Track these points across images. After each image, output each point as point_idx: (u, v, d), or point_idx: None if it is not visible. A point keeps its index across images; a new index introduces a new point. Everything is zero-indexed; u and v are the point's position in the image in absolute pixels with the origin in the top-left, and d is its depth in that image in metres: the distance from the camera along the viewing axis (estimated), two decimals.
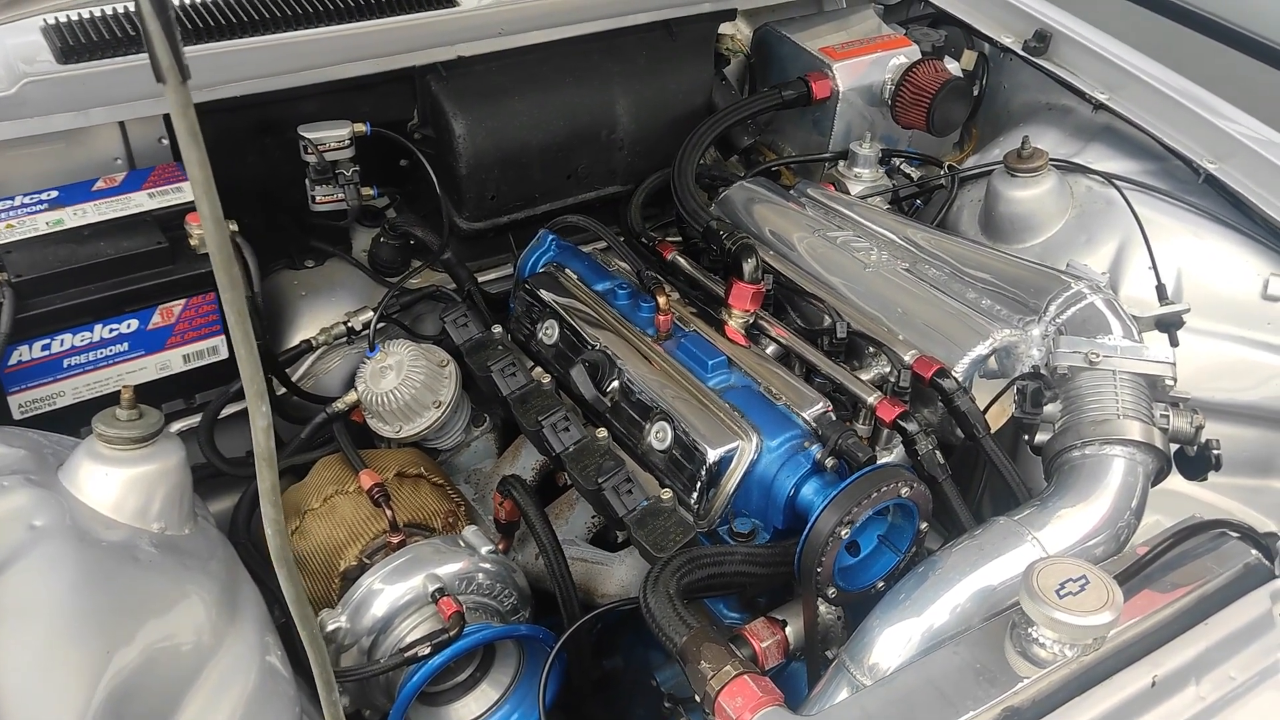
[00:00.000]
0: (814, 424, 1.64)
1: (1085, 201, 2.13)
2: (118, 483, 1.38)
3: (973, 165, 2.35)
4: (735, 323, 1.83)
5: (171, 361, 1.81)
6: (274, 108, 1.94)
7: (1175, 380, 1.67)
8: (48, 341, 1.68)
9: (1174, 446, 1.67)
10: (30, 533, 1.29)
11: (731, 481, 1.61)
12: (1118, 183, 2.10)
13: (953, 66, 2.41)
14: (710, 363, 1.73)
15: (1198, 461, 1.68)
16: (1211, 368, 1.96)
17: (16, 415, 1.71)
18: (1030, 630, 1.25)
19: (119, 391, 1.43)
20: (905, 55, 2.38)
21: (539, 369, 1.87)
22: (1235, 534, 1.46)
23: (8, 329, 1.60)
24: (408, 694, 1.46)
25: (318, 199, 2.00)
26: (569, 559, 1.68)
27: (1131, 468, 1.56)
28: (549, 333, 1.90)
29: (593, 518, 1.86)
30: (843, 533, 1.45)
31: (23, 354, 1.67)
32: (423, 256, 2.12)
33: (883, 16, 2.58)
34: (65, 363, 1.71)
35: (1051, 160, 2.14)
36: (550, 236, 2.06)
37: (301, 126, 1.94)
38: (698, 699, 1.33)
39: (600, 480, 1.62)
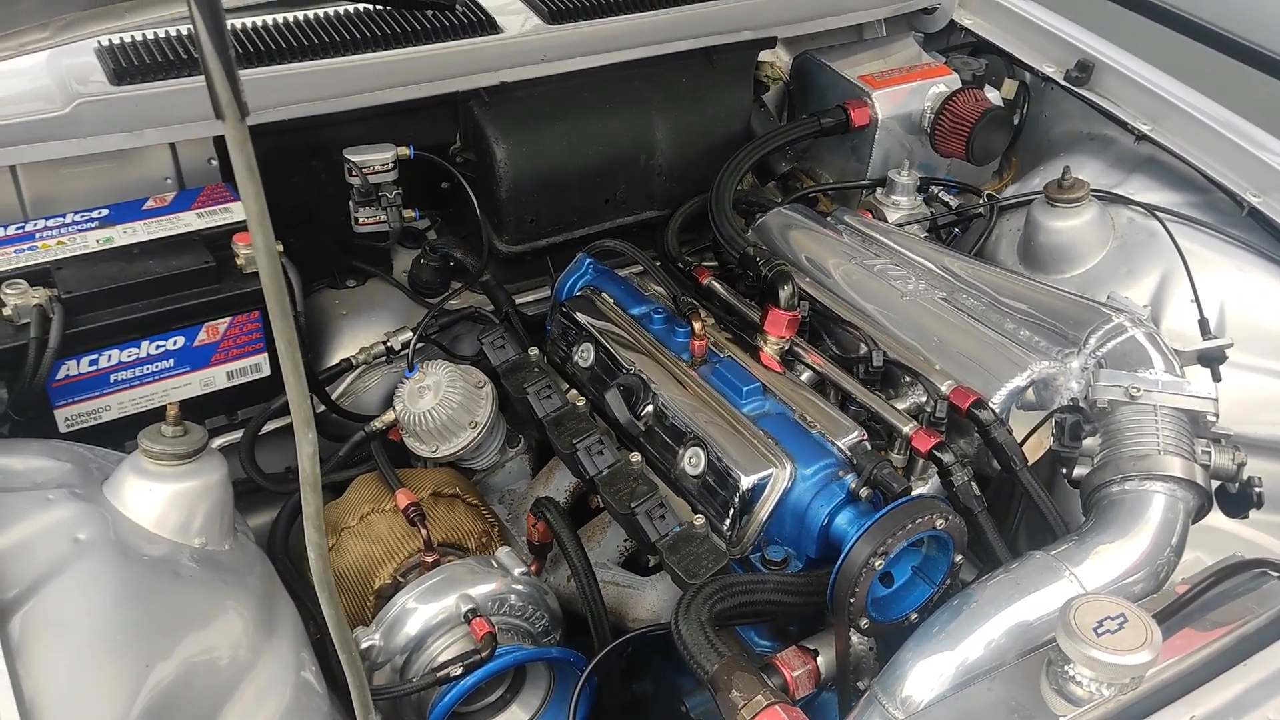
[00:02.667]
0: (849, 453, 1.63)
1: (1127, 233, 2.12)
2: (161, 498, 1.41)
3: (1012, 194, 2.33)
4: (770, 349, 1.83)
5: (215, 378, 1.84)
6: (321, 131, 1.97)
7: (1217, 416, 1.65)
8: (95, 357, 1.72)
9: (1215, 483, 1.65)
10: (74, 546, 1.32)
11: (765, 509, 1.61)
12: (1160, 214, 2.08)
13: (993, 95, 2.41)
14: (745, 389, 1.73)
15: (1239, 499, 1.66)
16: (1254, 402, 1.93)
17: (63, 429, 1.74)
18: (1067, 668, 1.24)
19: (164, 407, 1.47)
20: (945, 84, 2.37)
21: (574, 392, 1.88)
22: (1276, 574, 1.44)
23: (56, 344, 1.63)
24: (439, 714, 1.47)
25: (361, 220, 2.03)
26: (601, 582, 1.68)
27: (1172, 504, 1.54)
28: (585, 356, 1.91)
29: (625, 541, 1.86)
30: (877, 564, 1.44)
31: (70, 369, 1.70)
32: (462, 278, 2.15)
33: (923, 45, 2.58)
34: (112, 378, 1.74)
35: (1093, 191, 2.13)
36: (587, 260, 2.08)
37: (347, 150, 1.98)
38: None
39: (633, 505, 1.63)
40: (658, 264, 2.02)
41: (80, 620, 1.25)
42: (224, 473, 1.48)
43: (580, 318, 1.96)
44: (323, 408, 1.95)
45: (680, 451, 1.69)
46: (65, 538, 1.32)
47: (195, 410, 1.83)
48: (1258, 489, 1.64)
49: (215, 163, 1.99)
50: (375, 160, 1.98)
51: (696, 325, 1.81)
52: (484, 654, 1.48)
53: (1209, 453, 1.61)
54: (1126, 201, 2.14)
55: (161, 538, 1.39)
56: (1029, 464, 1.68)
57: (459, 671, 1.47)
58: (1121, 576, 1.47)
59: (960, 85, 2.38)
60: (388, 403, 1.97)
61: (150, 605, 1.30)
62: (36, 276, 1.68)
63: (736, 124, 2.32)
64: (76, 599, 1.26)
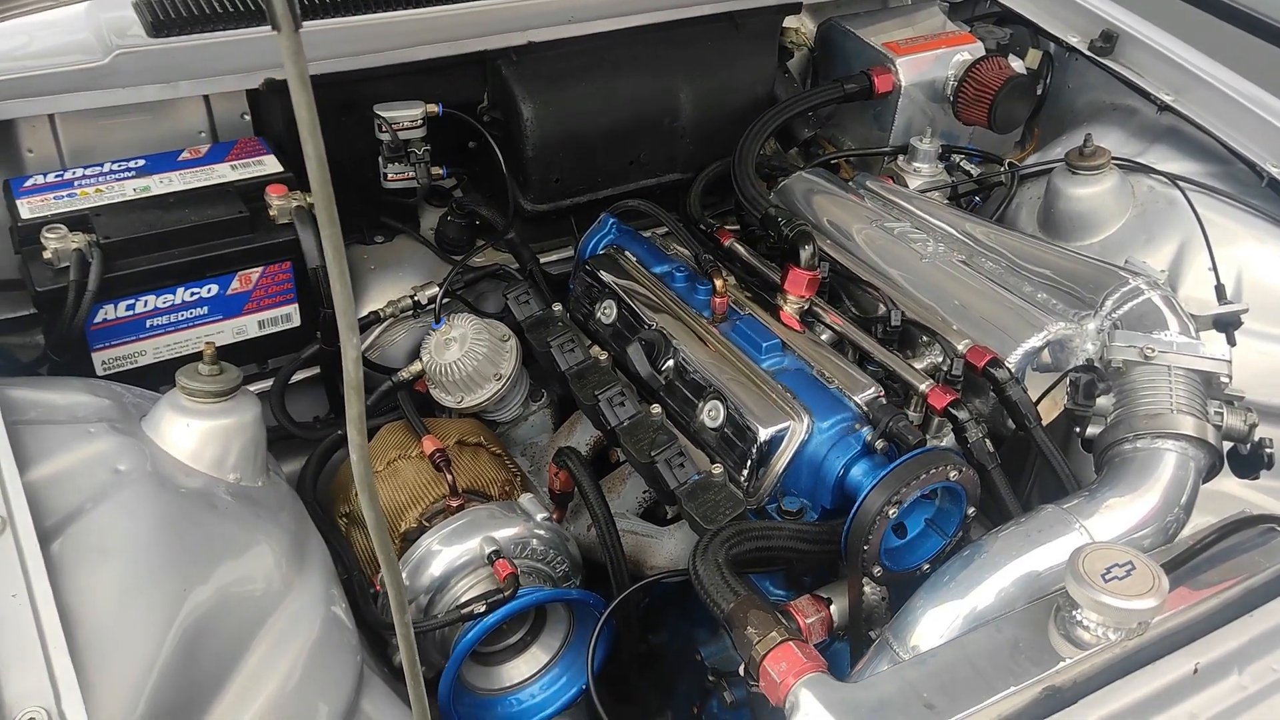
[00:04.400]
0: (865, 408, 1.66)
1: (1147, 201, 2.13)
2: (197, 433, 1.46)
3: (1034, 163, 2.35)
4: (790, 308, 1.86)
5: (248, 327, 1.89)
6: (352, 87, 2.01)
7: (1230, 378, 1.67)
8: (132, 302, 1.76)
9: (1227, 445, 1.67)
10: (114, 476, 1.37)
11: (782, 461, 1.65)
12: (1181, 183, 2.09)
13: (1017, 64, 2.41)
14: (764, 345, 1.76)
15: (1250, 460, 1.68)
16: (1271, 369, 1.95)
17: (100, 372, 1.79)
18: (1074, 613, 1.26)
19: (199, 351, 1.51)
20: (969, 52, 2.39)
21: (596, 347, 1.92)
22: None
23: (95, 287, 1.68)
24: (463, 649, 1.51)
25: (389, 177, 2.06)
26: (619, 531, 1.72)
27: (1183, 462, 1.56)
28: (607, 312, 1.94)
29: (644, 493, 1.90)
30: (890, 512, 1.47)
31: (108, 313, 1.75)
32: (487, 236, 2.18)
33: (948, 14, 2.59)
34: (148, 323, 1.79)
35: (1114, 159, 2.14)
36: (611, 220, 2.11)
37: (377, 105, 2.01)
38: (742, 667, 1.36)
39: (653, 454, 1.66)
40: (680, 224, 2.05)
41: (121, 545, 1.29)
42: (258, 412, 1.52)
43: (604, 275, 1.99)
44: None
45: (700, 405, 1.73)
46: (106, 468, 1.37)
47: (228, 358, 1.83)
48: (1269, 450, 1.66)
49: (248, 118, 2.03)
50: (405, 117, 2.01)
51: (718, 283, 1.84)
52: (507, 593, 1.53)
53: (1221, 413, 1.63)
54: (1147, 170, 2.15)
55: (198, 471, 1.44)
56: (1043, 424, 1.71)
57: (483, 609, 1.51)
58: (1131, 530, 1.50)
59: (984, 54, 2.39)
60: (414, 356, 2.01)
61: (188, 534, 1.34)
62: (75, 222, 1.73)
63: (760, 89, 2.34)
64: (117, 526, 1.31)
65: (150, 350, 1.82)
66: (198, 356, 1.50)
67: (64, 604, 1.18)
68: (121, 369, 1.81)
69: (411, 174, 2.06)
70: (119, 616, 1.23)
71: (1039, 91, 2.48)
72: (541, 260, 2.17)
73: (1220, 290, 1.93)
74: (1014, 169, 2.31)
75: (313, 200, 1.82)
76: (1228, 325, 1.83)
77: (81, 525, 1.29)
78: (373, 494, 0.75)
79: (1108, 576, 1.25)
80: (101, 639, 1.19)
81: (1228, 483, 1.86)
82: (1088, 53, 2.36)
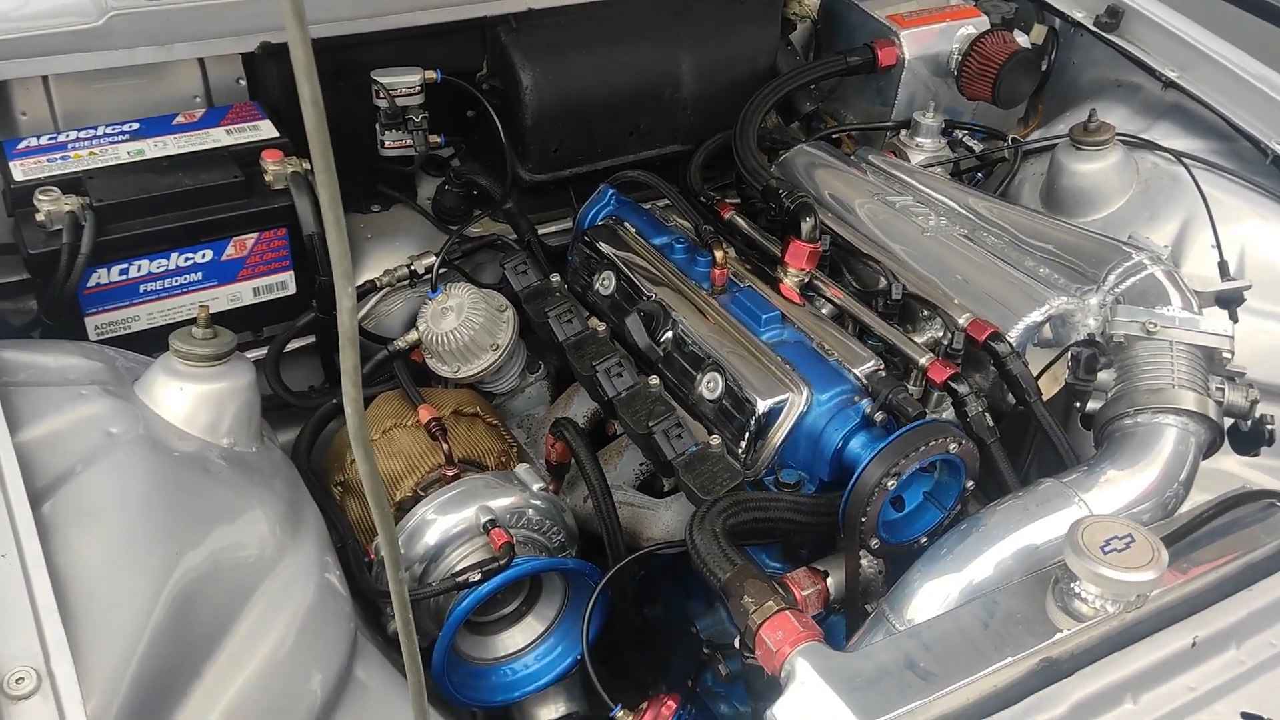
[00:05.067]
0: (865, 380, 1.65)
1: (1150, 178, 2.12)
2: (191, 397, 1.45)
3: (1037, 139, 2.33)
4: (790, 281, 1.85)
5: (242, 294, 1.88)
6: (348, 52, 1.99)
7: (1232, 354, 1.66)
8: (125, 266, 1.75)
9: (1228, 421, 1.67)
10: (106, 439, 1.36)
11: (780, 433, 1.64)
12: (1185, 159, 2.08)
13: (1022, 39, 2.39)
14: (764, 317, 1.75)
15: (1251, 436, 1.67)
16: (1271, 349, 1.94)
17: (93, 337, 1.78)
18: (1073, 585, 1.25)
19: (193, 317, 1.50)
20: (974, 25, 2.36)
21: (594, 319, 1.91)
22: None
23: (88, 250, 1.66)
24: (457, 617, 1.50)
25: (386, 144, 2.05)
26: (616, 503, 1.71)
27: (1183, 437, 1.56)
28: (605, 283, 1.93)
29: (641, 464, 1.89)
30: (889, 484, 1.46)
31: (101, 277, 1.74)
32: (485, 206, 2.17)
33: None
34: (141, 288, 1.78)
35: (1118, 135, 2.13)
36: (610, 191, 2.09)
37: (375, 71, 1.99)
38: (738, 640, 1.35)
39: (651, 424, 1.65)
40: (680, 196, 2.03)
41: (113, 507, 1.29)
42: (252, 377, 1.51)
43: (602, 247, 1.98)
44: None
45: (698, 376, 1.72)
46: (98, 430, 1.36)
47: (222, 325, 1.85)
48: (1270, 427, 1.65)
49: (243, 82, 2.01)
50: (402, 83, 1.99)
51: (718, 254, 1.83)
52: (502, 562, 1.52)
53: (1223, 389, 1.62)
54: (1152, 146, 2.14)
55: (191, 435, 1.44)
56: (1044, 398, 1.70)
57: (478, 577, 1.51)
58: (1130, 505, 1.49)
59: (989, 28, 2.37)
60: (410, 326, 1.99)
61: (181, 497, 1.34)
62: (69, 185, 1.72)
63: (762, 60, 2.32)
64: (109, 488, 1.30)
65: (143, 316, 1.80)
66: (191, 323, 1.48)
67: (54, 565, 1.17)
68: (114, 334, 1.80)
69: (409, 142, 2.04)
70: (110, 579, 1.22)
71: (1044, 67, 2.46)
72: (540, 231, 2.16)
73: (1223, 267, 1.93)
74: (1017, 144, 2.30)
75: (310, 166, 1.80)
76: (1230, 302, 1.82)
77: (72, 487, 1.28)
78: (368, 450, 0.74)
79: (1107, 549, 1.24)
80: (92, 601, 1.18)
81: (1227, 460, 1.85)
82: (1093, 28, 2.35)
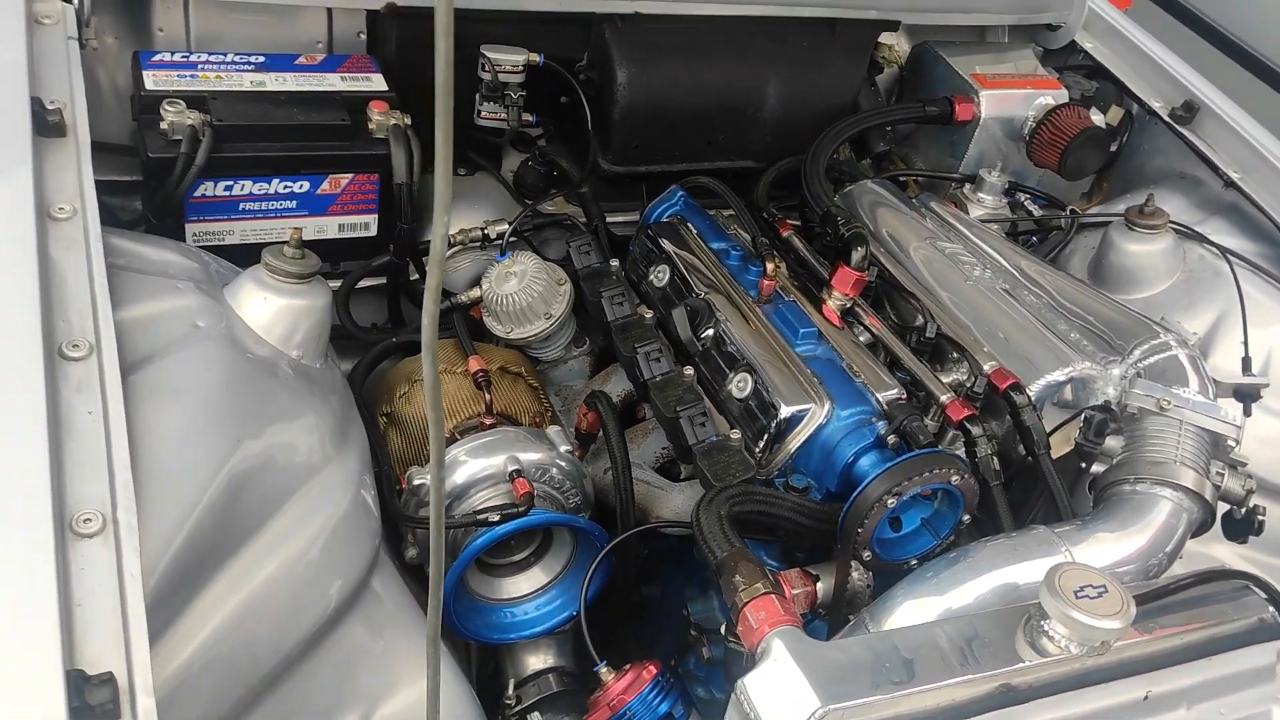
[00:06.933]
0: (885, 405, 1.75)
1: (1195, 268, 2.19)
2: (272, 308, 1.58)
3: (1095, 213, 2.41)
4: (833, 303, 1.95)
5: (328, 227, 2.02)
6: (464, 25, 2.10)
7: (1239, 443, 1.74)
8: (230, 184, 1.89)
9: (1223, 507, 1.74)
10: (193, 330, 1.49)
11: (797, 440, 1.74)
12: (1230, 256, 2.15)
13: (1097, 118, 2.47)
14: (801, 331, 1.85)
15: (1242, 524, 1.74)
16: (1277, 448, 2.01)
17: (190, 243, 1.91)
18: (1044, 623, 1.32)
19: (283, 240, 1.63)
20: (1053, 97, 2.45)
21: (644, 306, 2.02)
22: (1259, 591, 1.53)
23: (202, 163, 1.81)
24: (472, 551, 1.62)
25: (483, 114, 2.18)
26: (634, 479, 1.82)
27: (1176, 511, 1.63)
28: (660, 276, 2.04)
29: (663, 448, 2.00)
30: (889, 501, 1.56)
31: (207, 189, 1.88)
32: (562, 187, 2.29)
33: (1041, 59, 2.65)
34: (241, 206, 1.92)
35: (1171, 223, 2.20)
36: (680, 192, 2.21)
37: (484, 45, 2.13)
38: (723, 626, 1.44)
39: (679, 409, 1.76)
40: (744, 208, 2.15)
41: (191, 390, 1.41)
42: (328, 300, 1.65)
43: (663, 242, 2.09)
44: (415, 276, 2.12)
45: (730, 375, 1.82)
46: (186, 321, 1.49)
47: None
48: (1261, 518, 1.72)
49: (364, 36, 2.15)
50: (508, 60, 2.12)
51: (769, 266, 1.94)
52: (521, 509, 1.64)
53: (1223, 474, 1.70)
54: (1201, 239, 2.21)
55: (266, 342, 1.57)
56: (1053, 455, 1.78)
57: (496, 519, 1.63)
58: (1114, 564, 1.57)
59: (1067, 101, 2.46)
60: (474, 284, 2.12)
61: (249, 393, 1.47)
62: (193, 101, 1.86)
63: (845, 95, 2.43)
64: (190, 372, 1.43)
65: (238, 231, 1.95)
66: (284, 243, 1.62)
67: (133, 429, 1.27)
68: (210, 244, 1.93)
69: (503, 115, 2.17)
70: (179, 450, 1.34)
71: (1113, 148, 2.54)
72: (608, 219, 2.28)
73: (1246, 362, 1.99)
74: (1075, 216, 2.38)
75: (409, 122, 1.92)
76: (1247, 396, 1.89)
77: (157, 366, 1.41)
78: (435, 358, 0.86)
79: (1080, 594, 1.31)
80: (160, 466, 1.29)
81: (1218, 548, 1.92)
82: (1167, 119, 2.42)
